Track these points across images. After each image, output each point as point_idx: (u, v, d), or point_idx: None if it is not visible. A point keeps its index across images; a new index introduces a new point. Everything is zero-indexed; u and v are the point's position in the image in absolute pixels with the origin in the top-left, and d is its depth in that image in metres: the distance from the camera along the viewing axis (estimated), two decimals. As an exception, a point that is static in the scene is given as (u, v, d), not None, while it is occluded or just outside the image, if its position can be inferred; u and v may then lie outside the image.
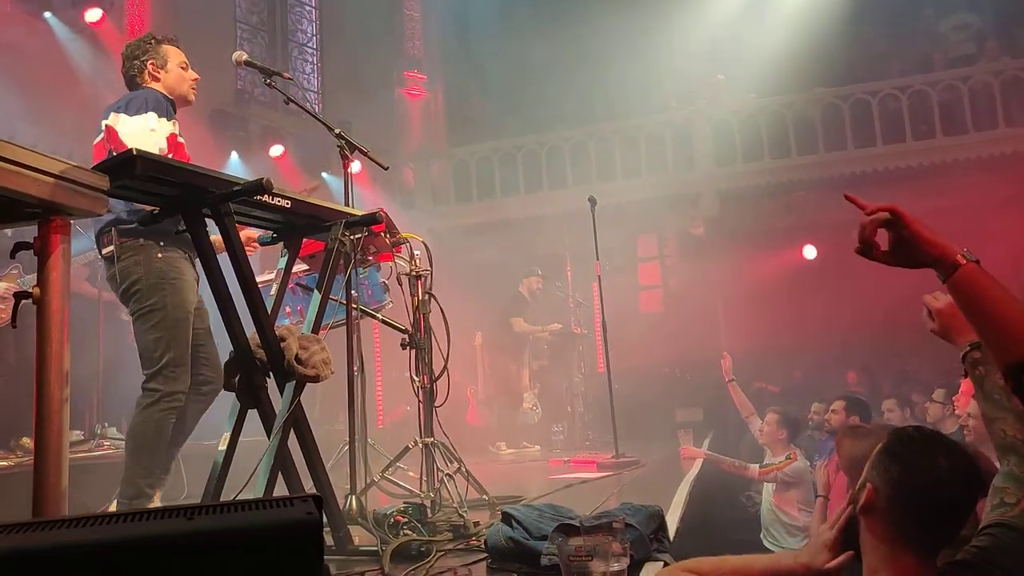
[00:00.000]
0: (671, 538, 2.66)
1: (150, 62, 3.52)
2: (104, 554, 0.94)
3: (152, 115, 3.23)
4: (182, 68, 3.58)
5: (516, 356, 8.44)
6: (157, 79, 3.52)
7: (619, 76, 12.82)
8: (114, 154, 2.90)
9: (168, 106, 3.37)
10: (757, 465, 5.84)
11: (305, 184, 7.63)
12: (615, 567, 1.80)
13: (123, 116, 3.23)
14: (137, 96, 3.34)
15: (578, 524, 2.25)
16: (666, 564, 2.32)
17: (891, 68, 12.40)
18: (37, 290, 1.70)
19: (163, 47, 3.55)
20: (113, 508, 3.29)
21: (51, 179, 1.66)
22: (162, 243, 3.26)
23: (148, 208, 2.66)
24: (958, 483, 1.66)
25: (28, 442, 5.04)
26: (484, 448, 7.81)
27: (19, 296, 1.75)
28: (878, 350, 11.36)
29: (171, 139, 3.23)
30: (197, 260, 3.02)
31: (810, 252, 12.29)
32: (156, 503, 3.30)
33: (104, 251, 3.36)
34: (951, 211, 10.79)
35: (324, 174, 11.23)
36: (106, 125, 3.28)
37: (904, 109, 11.35)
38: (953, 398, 5.08)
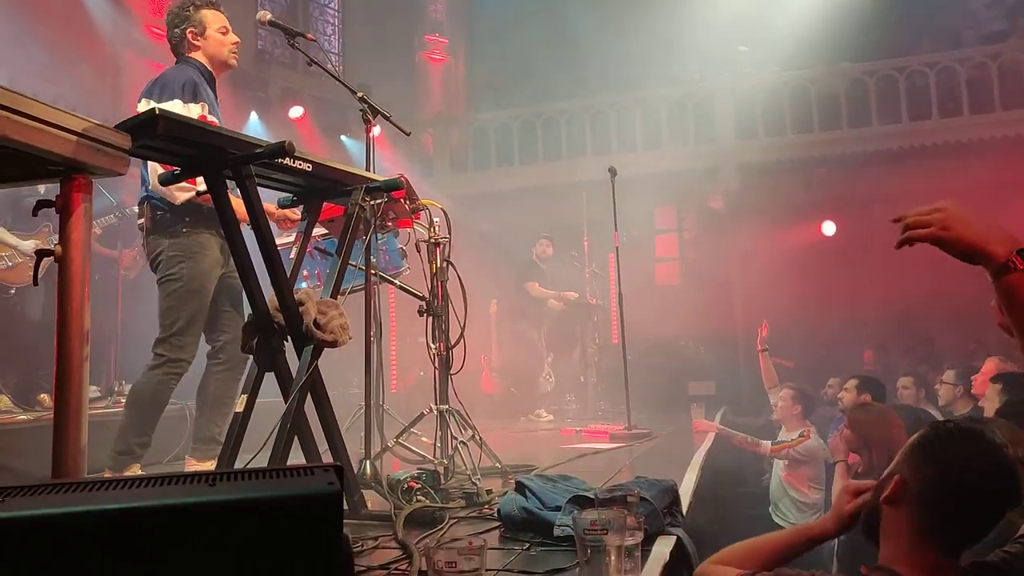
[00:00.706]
0: (684, 512, 2.66)
1: (189, 31, 3.55)
2: (125, 520, 0.94)
3: (177, 102, 3.29)
4: (222, 33, 3.60)
5: (534, 323, 8.44)
6: (197, 47, 3.56)
7: (642, 45, 12.65)
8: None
9: (197, 86, 3.40)
10: (769, 441, 5.84)
11: None
12: (629, 541, 1.80)
13: (151, 103, 3.28)
14: (166, 81, 3.38)
15: (592, 496, 2.25)
16: (679, 538, 2.33)
17: (920, 44, 12.17)
18: (59, 248, 1.70)
19: (201, 12, 3.56)
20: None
21: (74, 137, 1.65)
22: (188, 219, 3.38)
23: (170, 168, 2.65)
24: (994, 491, 1.62)
25: (46, 398, 5.11)
26: (498, 415, 7.85)
27: (41, 254, 1.75)
28: (896, 328, 11.28)
29: (200, 121, 3.24)
30: None
31: (829, 229, 12.17)
32: (138, 469, 3.39)
33: (139, 221, 3.52)
34: (975, 190, 10.66)
35: (343, 137, 11.20)
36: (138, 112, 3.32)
37: (931, 86, 11.17)
38: (972, 377, 5.05)
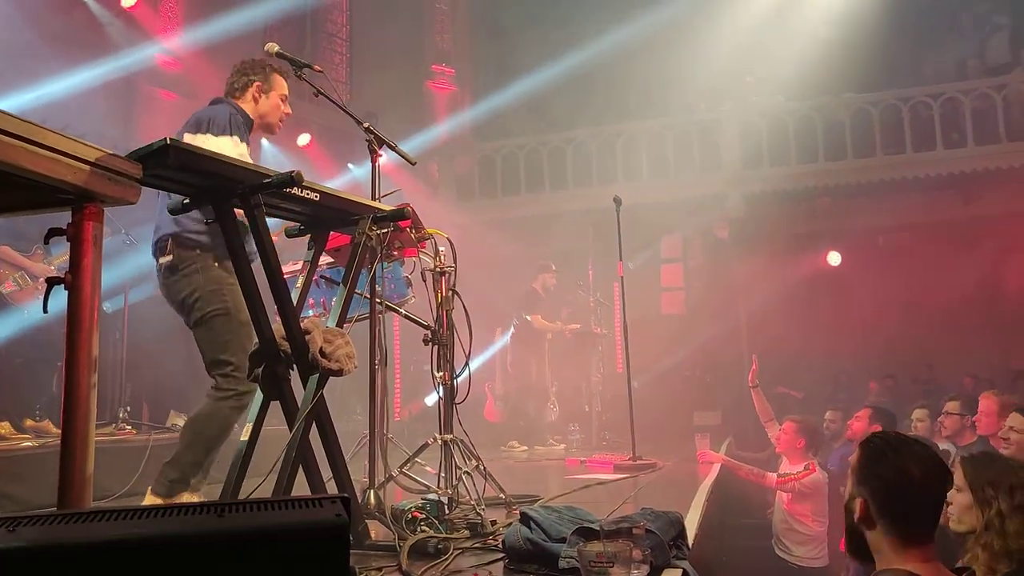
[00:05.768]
0: (690, 545, 2.64)
1: (257, 84, 3.60)
2: (137, 551, 0.94)
3: (236, 138, 3.32)
4: (281, 100, 3.68)
5: (537, 352, 8.42)
6: (256, 101, 3.60)
7: (648, 75, 12.74)
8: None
9: (245, 129, 3.45)
10: (775, 473, 5.80)
11: None
12: (635, 574, 1.79)
13: (209, 137, 3.24)
14: (219, 116, 3.36)
15: (598, 528, 2.23)
16: (684, 571, 2.31)
17: (924, 75, 12.23)
18: (69, 276, 1.71)
19: (274, 76, 3.64)
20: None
21: (86, 166, 1.66)
22: (217, 253, 3.31)
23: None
24: (932, 484, 1.94)
25: (30, 422, 5.06)
26: (501, 445, 7.82)
27: (51, 281, 1.76)
28: (903, 359, 11.24)
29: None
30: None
31: (834, 259, 12.19)
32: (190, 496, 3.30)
33: (161, 260, 3.40)
34: (979, 221, 10.68)
35: (350, 165, 11.27)
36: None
37: (936, 116, 11.20)
38: (974, 419, 4.94)
